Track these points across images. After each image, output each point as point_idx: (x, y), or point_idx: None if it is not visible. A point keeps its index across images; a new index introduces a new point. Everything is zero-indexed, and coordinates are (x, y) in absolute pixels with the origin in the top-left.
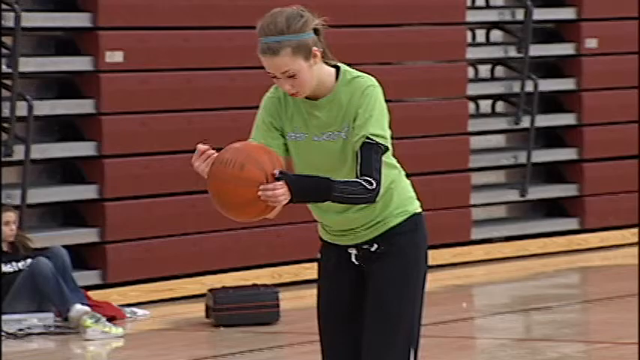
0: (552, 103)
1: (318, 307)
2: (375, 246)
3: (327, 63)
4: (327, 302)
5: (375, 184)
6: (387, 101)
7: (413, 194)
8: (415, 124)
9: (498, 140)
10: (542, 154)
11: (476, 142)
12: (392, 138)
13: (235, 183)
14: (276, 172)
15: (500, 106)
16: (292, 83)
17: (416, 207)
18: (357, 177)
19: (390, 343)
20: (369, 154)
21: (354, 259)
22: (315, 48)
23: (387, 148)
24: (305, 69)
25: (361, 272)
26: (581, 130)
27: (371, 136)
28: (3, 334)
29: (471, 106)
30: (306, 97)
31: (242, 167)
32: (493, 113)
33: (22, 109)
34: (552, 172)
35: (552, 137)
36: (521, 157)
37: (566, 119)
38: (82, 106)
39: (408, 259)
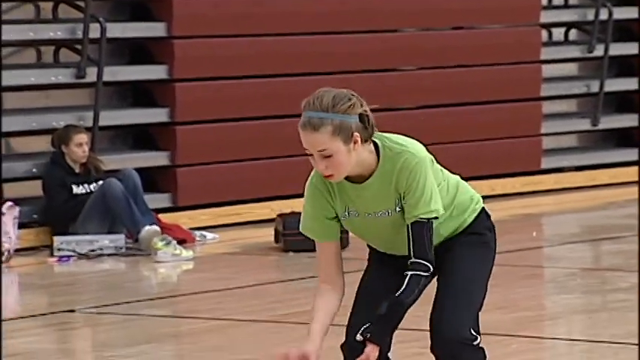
0: (627, 31)
1: (368, 270)
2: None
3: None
4: (381, 268)
5: (430, 265)
6: (459, 28)
7: (472, 192)
8: (488, 51)
9: (571, 69)
10: (615, 84)
11: (548, 70)
12: (465, 65)
13: None
14: (359, 337)
15: (573, 34)
16: (327, 164)
17: (481, 203)
18: (410, 258)
19: (463, 307)
20: (421, 234)
21: None
22: (356, 133)
23: (437, 218)
24: (343, 152)
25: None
26: None
27: (422, 216)
28: (75, 254)
29: (544, 33)
30: (351, 181)
31: None
32: (566, 41)
33: (95, 31)
34: (624, 102)
35: (625, 66)
36: (594, 86)
37: None
38: (154, 30)
39: (482, 238)
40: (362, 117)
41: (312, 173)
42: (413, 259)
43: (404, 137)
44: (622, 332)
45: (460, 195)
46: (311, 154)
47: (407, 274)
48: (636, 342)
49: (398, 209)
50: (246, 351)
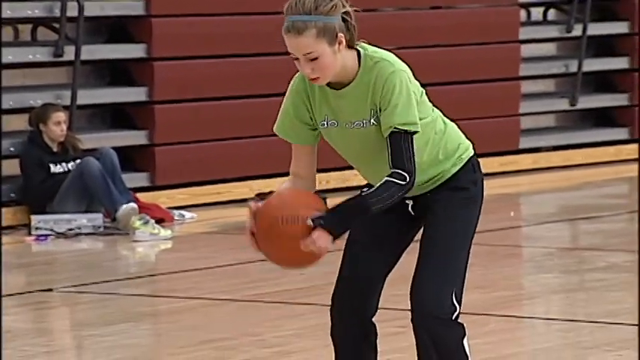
0: (605, 11)
1: (356, 231)
2: (435, 191)
3: (350, 47)
4: (369, 228)
5: (408, 176)
6: (437, 7)
7: (463, 139)
8: (466, 30)
9: (549, 48)
10: (594, 63)
11: (527, 50)
12: (443, 45)
13: (280, 252)
14: (309, 221)
15: (552, 13)
16: (313, 67)
17: (470, 152)
18: (390, 168)
19: (445, 273)
20: (399, 145)
21: (410, 210)
22: (340, 34)
23: (416, 132)
24: (328, 53)
25: (414, 219)
26: (632, 39)
27: (398, 126)
28: (53, 233)
29: (523, 13)
30: (331, 87)
31: (280, 237)
32: (545, 21)
33: (72, 9)
34: (603, 82)
35: (604, 46)
36: (572, 66)
37: (619, 28)
38: (132, 8)
39: (466, 194)
40: (345, 18)
41: (295, 76)
42: (391, 169)
43: (387, 52)
44: (599, 311)
45: (448, 137)
46: (296, 58)
47: (382, 180)
48: (613, 321)
49: (373, 122)
50: (224, 330)
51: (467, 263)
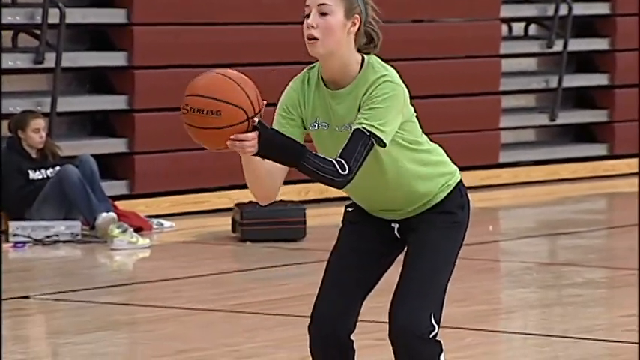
0: (585, 27)
1: (339, 248)
2: (422, 215)
3: (359, 50)
4: (353, 248)
5: (348, 172)
6: (419, 21)
7: (449, 164)
8: (447, 44)
9: (530, 63)
10: (574, 79)
11: (507, 64)
12: (424, 59)
13: (210, 131)
14: (256, 121)
15: (533, 29)
16: (320, 23)
17: (456, 176)
18: (335, 158)
19: (426, 294)
20: (357, 142)
21: (396, 232)
22: (357, 16)
23: (381, 144)
24: (339, 19)
25: (399, 242)
26: (613, 56)
27: (367, 127)
28: (30, 240)
29: (504, 28)
30: (328, 87)
31: (219, 114)
32: (526, 36)
33: (54, 16)
34: (583, 97)
35: (584, 62)
36: (552, 82)
37: (599, 44)
38: (114, 16)
39: (453, 218)
40: (367, 6)
41: (298, 75)
42: (338, 157)
43: (393, 69)
44: (574, 327)
45: (436, 160)
46: (307, 15)
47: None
48: (588, 337)
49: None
50: (201, 340)
51: (447, 286)
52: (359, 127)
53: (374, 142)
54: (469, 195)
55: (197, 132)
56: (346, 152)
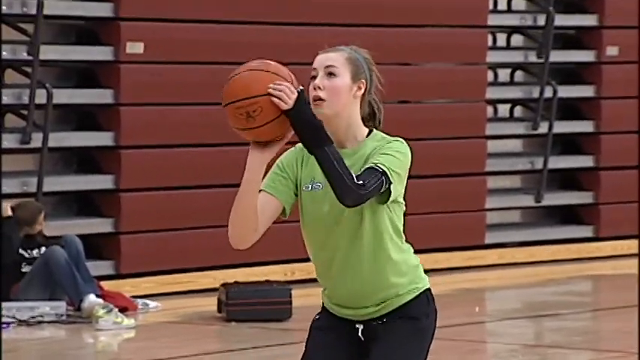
0: (571, 109)
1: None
2: (386, 320)
3: (366, 125)
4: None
5: (363, 189)
6: (405, 102)
7: (421, 268)
8: (433, 125)
9: (515, 145)
10: (559, 161)
11: (493, 146)
12: (410, 139)
13: (257, 73)
14: (300, 88)
15: (518, 110)
16: (326, 84)
17: (425, 282)
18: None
19: None
20: (370, 174)
21: (360, 335)
22: (363, 81)
23: (390, 185)
24: (345, 82)
25: (363, 347)
26: (598, 138)
27: (380, 166)
28: (15, 320)
29: (490, 109)
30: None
31: (268, 65)
32: (511, 118)
33: (41, 96)
34: (568, 179)
35: (569, 144)
36: (538, 163)
37: (584, 126)
38: (101, 96)
39: (417, 325)
40: (372, 73)
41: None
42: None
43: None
44: None
45: (414, 261)
46: (313, 77)
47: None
48: None
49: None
50: None
51: None
52: (372, 165)
53: (384, 182)
54: (450, 271)
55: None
56: (362, 175)
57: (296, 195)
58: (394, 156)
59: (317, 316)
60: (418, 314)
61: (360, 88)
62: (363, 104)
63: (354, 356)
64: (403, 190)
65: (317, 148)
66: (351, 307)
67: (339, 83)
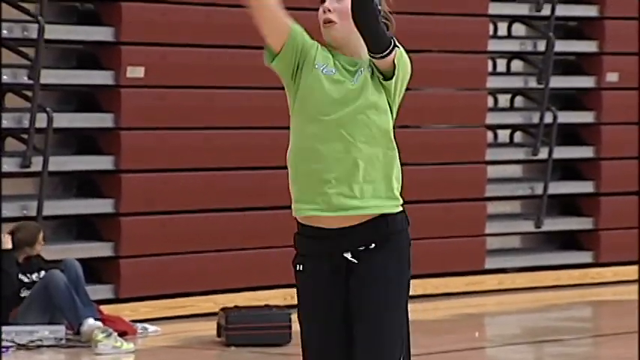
0: (571, 135)
1: (308, 309)
2: (373, 245)
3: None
4: (321, 309)
5: (392, 41)
6: (405, 126)
7: (399, 189)
8: (433, 150)
9: (515, 170)
10: (559, 186)
11: (493, 171)
12: (410, 164)
13: None
14: None
15: (518, 136)
16: (336, 7)
17: (401, 201)
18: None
19: (386, 345)
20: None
21: (350, 257)
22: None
23: (394, 60)
24: None
25: (353, 271)
26: (598, 164)
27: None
28: (14, 344)
29: (490, 135)
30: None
31: None
32: (511, 143)
33: (41, 120)
34: (568, 205)
35: (569, 170)
36: (538, 189)
37: (584, 152)
38: (101, 120)
39: (401, 256)
40: (384, 13)
41: None
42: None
43: None
44: None
45: (397, 173)
46: (322, 1)
47: None
48: None
49: (369, 70)
50: None
51: (408, 330)
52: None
53: (396, 46)
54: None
55: None
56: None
57: (294, 63)
58: (398, 54)
59: (299, 267)
60: (402, 241)
61: None
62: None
63: (344, 288)
64: (404, 87)
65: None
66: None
67: (347, 5)
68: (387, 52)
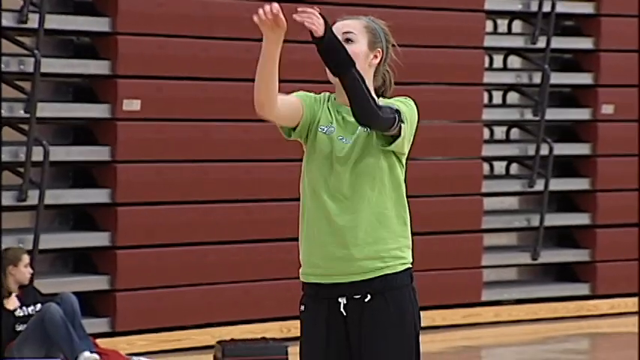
0: (567, 167)
1: (307, 349)
2: (369, 297)
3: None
4: (321, 351)
5: (380, 111)
6: None
7: (410, 238)
8: (429, 183)
9: (511, 202)
10: (555, 218)
11: (489, 203)
12: (406, 196)
13: None
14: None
15: (514, 168)
16: None
17: (410, 258)
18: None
19: None
20: (386, 107)
21: (342, 309)
22: (379, 50)
23: (401, 125)
24: (362, 48)
25: (349, 327)
26: (594, 196)
27: (393, 106)
28: None
29: (486, 167)
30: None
31: None
32: (507, 175)
33: (37, 154)
34: (564, 237)
35: (566, 201)
36: (534, 220)
37: (580, 184)
38: (98, 153)
39: (405, 320)
40: (388, 44)
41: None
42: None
43: None
44: None
45: (407, 232)
46: None
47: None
48: None
49: (366, 130)
50: None
51: None
52: (387, 105)
53: (397, 120)
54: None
55: None
56: (382, 107)
57: (308, 125)
58: (404, 107)
59: (302, 307)
60: (405, 301)
61: (376, 57)
62: (377, 74)
63: (342, 339)
64: (410, 141)
65: (348, 68)
66: (334, 273)
67: (355, 49)
68: (392, 129)
